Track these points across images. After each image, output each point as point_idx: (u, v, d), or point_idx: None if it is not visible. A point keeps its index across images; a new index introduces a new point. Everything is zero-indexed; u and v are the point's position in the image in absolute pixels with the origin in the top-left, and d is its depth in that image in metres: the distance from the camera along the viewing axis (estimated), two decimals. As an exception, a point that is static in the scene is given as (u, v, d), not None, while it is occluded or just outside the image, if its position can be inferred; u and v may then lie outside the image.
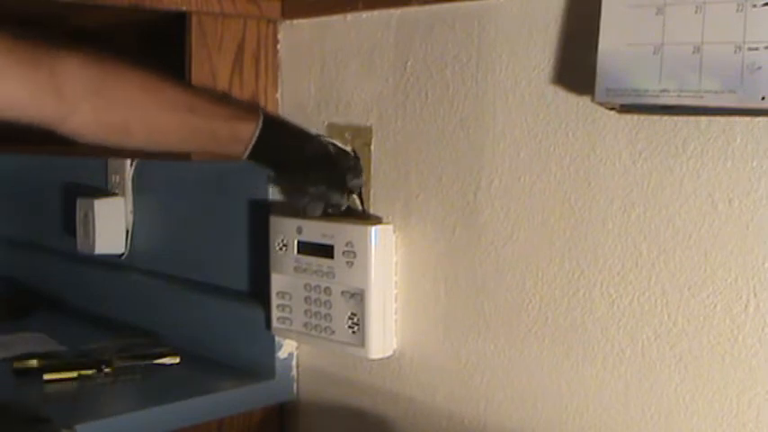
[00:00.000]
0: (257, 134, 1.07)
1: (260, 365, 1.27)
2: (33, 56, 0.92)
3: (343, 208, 1.13)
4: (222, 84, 1.20)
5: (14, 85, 0.91)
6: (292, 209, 1.20)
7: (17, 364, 1.29)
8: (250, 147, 1.07)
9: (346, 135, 1.17)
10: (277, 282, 1.21)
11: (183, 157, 1.16)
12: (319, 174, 1.11)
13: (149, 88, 1.02)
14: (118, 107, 1.00)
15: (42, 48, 0.93)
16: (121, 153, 1.39)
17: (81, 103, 0.96)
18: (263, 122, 1.07)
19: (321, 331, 1.16)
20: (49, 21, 1.29)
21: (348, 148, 1.16)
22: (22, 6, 1.21)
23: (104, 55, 0.99)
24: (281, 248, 1.19)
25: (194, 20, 1.16)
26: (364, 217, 1.15)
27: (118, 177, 1.57)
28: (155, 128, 1.03)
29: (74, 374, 1.26)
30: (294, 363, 1.28)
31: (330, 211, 1.13)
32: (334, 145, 1.14)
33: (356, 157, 1.15)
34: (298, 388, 1.28)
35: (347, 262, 1.11)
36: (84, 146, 1.02)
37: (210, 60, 1.18)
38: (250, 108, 1.12)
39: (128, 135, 1.02)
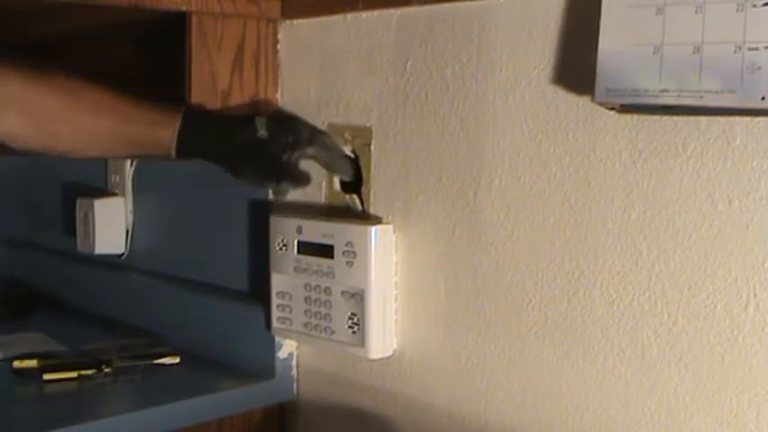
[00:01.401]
0: (176, 138, 1.09)
1: (260, 365, 1.27)
2: None
3: (307, 182, 1.12)
4: (222, 84, 1.20)
5: None
6: (293, 209, 1.20)
7: (17, 364, 1.29)
8: (173, 150, 1.09)
9: (346, 135, 1.17)
10: (277, 282, 1.21)
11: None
12: (248, 165, 1.11)
13: (77, 91, 1.06)
14: (42, 111, 1.03)
15: None
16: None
17: (7, 107, 1.00)
18: (184, 121, 1.09)
19: (321, 331, 1.16)
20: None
21: (346, 148, 1.16)
22: (21, 4, 1.21)
23: (29, 61, 1.03)
24: (281, 248, 1.19)
25: (194, 20, 1.16)
26: (364, 217, 1.15)
27: (118, 177, 1.57)
28: (79, 132, 1.06)
29: (74, 374, 1.26)
30: (294, 363, 1.28)
31: (293, 186, 1.12)
32: (274, 123, 1.11)
33: (307, 128, 1.13)
34: (298, 388, 1.28)
35: (347, 262, 1.11)
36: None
37: (210, 60, 1.18)
38: (171, 110, 1.11)
39: (55, 139, 1.05)
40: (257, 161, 1.10)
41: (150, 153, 1.11)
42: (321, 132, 1.14)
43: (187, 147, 1.09)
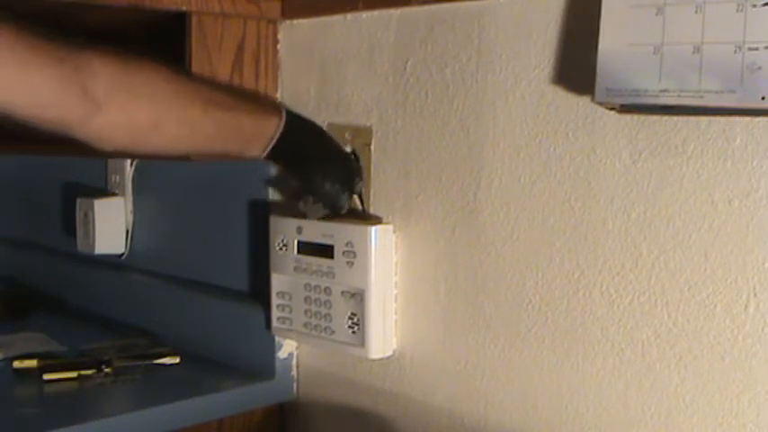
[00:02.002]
0: (281, 129, 1.06)
1: (260, 365, 1.27)
2: (56, 53, 0.87)
3: (344, 211, 1.13)
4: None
5: (37, 83, 0.86)
6: (291, 209, 1.20)
7: (17, 364, 1.29)
8: (273, 142, 1.05)
9: (346, 135, 1.17)
10: (277, 282, 1.21)
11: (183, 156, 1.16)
12: (337, 171, 1.11)
13: (174, 83, 0.99)
14: (145, 102, 0.95)
15: (64, 45, 0.88)
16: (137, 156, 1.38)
17: (108, 100, 0.91)
18: (288, 116, 1.07)
19: (321, 331, 1.16)
20: (48, 20, 1.28)
21: (348, 149, 1.16)
22: (22, 5, 1.21)
23: (125, 52, 0.95)
24: (281, 248, 1.19)
25: (194, 20, 1.16)
26: (364, 217, 1.15)
27: (118, 177, 1.57)
28: (183, 122, 0.99)
29: (74, 374, 1.26)
30: (294, 363, 1.28)
31: (329, 212, 1.13)
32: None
33: (357, 159, 1.16)
34: (298, 388, 1.28)
35: (347, 262, 1.11)
36: (84, 146, 1.00)
37: (210, 60, 1.18)
38: (273, 103, 1.11)
39: (156, 131, 0.97)
40: (344, 172, 1.12)
41: (246, 146, 1.05)
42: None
43: (287, 141, 1.06)
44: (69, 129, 0.90)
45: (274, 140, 1.06)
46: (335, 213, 1.13)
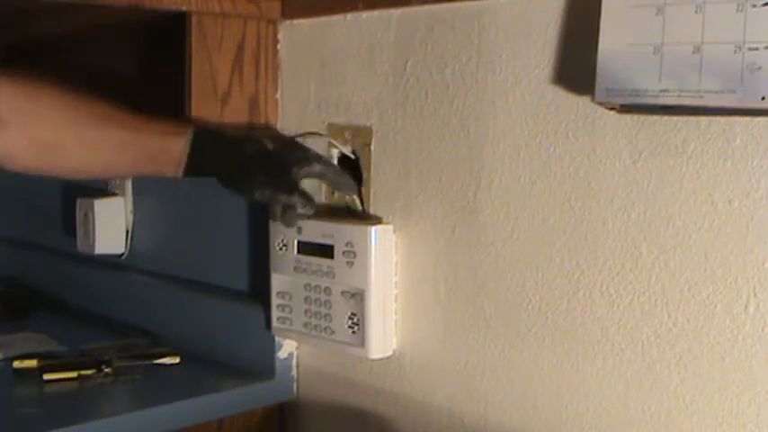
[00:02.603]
0: (189, 148, 1.05)
1: (260, 365, 1.27)
2: None
3: (302, 209, 1.08)
4: (222, 84, 1.20)
5: None
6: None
7: (17, 364, 1.28)
8: (184, 162, 1.05)
9: (346, 135, 1.17)
10: (277, 282, 1.21)
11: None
12: (259, 176, 1.07)
13: (76, 104, 1.00)
14: (48, 123, 0.97)
15: None
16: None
17: (11, 118, 0.94)
18: (194, 135, 1.06)
19: (321, 331, 1.16)
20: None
21: (345, 149, 1.16)
22: (22, 5, 1.21)
23: (26, 74, 0.97)
24: (281, 248, 1.19)
25: (194, 20, 1.16)
26: (364, 217, 1.15)
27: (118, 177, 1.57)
28: (85, 143, 1.00)
29: (74, 374, 1.25)
30: (294, 363, 1.28)
31: (302, 213, 1.09)
32: (279, 140, 1.10)
33: (312, 154, 1.11)
34: (298, 388, 1.28)
35: (347, 262, 1.11)
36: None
37: (210, 60, 1.18)
38: (179, 123, 1.08)
39: (61, 151, 0.99)
40: (269, 173, 1.08)
41: (157, 168, 1.06)
42: (321, 156, 1.14)
43: (198, 159, 1.05)
44: None
45: (184, 161, 1.05)
46: (308, 202, 1.08)
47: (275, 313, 1.22)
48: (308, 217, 1.11)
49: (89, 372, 1.26)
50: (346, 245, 1.11)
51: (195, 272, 1.44)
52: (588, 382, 0.95)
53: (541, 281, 0.98)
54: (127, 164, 1.06)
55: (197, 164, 1.06)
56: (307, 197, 1.10)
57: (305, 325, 1.18)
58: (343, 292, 1.13)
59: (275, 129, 1.21)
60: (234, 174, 1.09)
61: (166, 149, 1.05)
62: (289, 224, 1.10)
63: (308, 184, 1.14)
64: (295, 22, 1.23)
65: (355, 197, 1.16)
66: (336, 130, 1.18)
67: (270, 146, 1.10)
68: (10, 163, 0.98)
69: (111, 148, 1.03)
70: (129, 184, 1.56)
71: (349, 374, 1.20)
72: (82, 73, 1.54)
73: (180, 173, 1.07)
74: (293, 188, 1.09)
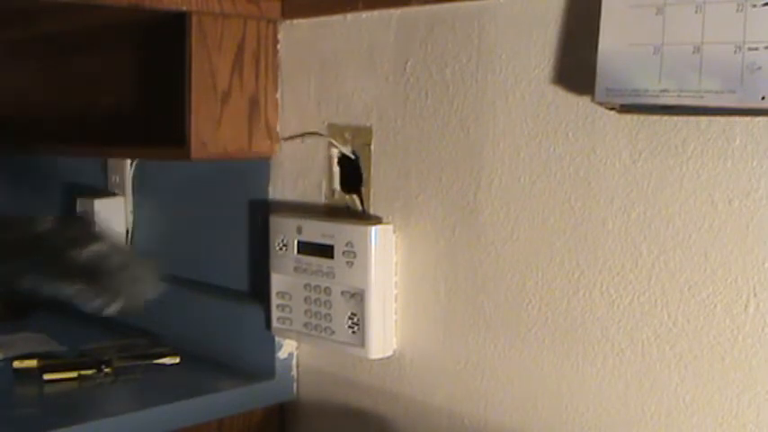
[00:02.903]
0: None
1: (260, 365, 1.27)
2: None
3: (90, 290, 0.95)
4: (222, 84, 1.20)
5: None
6: (293, 210, 1.20)
7: (17, 364, 1.29)
8: None
9: (346, 135, 1.17)
10: (277, 282, 1.21)
11: (183, 155, 1.15)
12: (28, 264, 0.94)
13: None
14: None
15: None
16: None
17: None
18: None
19: (321, 331, 1.16)
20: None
21: (345, 149, 1.16)
22: (23, 5, 1.21)
23: None
24: (281, 248, 1.19)
25: (194, 20, 1.16)
26: (364, 217, 1.15)
27: (118, 177, 1.57)
28: None
29: (74, 374, 1.26)
30: (294, 363, 1.28)
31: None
32: (60, 220, 0.97)
33: (96, 227, 1.00)
34: (298, 388, 1.28)
35: (347, 262, 1.11)
36: (85, 146, 1.00)
37: (210, 60, 1.18)
38: None
39: None
40: (38, 259, 0.95)
41: None
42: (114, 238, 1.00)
43: None
44: None
45: None
46: (90, 283, 0.95)
47: (275, 313, 1.22)
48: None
49: (89, 372, 1.26)
50: (346, 245, 1.11)
51: (195, 272, 1.44)
52: (588, 382, 0.95)
53: (541, 281, 0.98)
54: None
55: None
56: (92, 276, 0.95)
57: (305, 325, 1.18)
58: (343, 292, 1.13)
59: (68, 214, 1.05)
60: None
61: None
62: (109, 313, 0.97)
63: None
64: (295, 22, 1.23)
65: (355, 197, 1.16)
66: (336, 130, 1.18)
67: (44, 226, 0.98)
68: None
69: None
70: (129, 184, 1.56)
71: (349, 374, 1.20)
72: (82, 73, 1.54)
73: None
74: (72, 273, 0.96)
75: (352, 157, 1.16)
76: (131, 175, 1.55)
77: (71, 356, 1.33)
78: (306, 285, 1.17)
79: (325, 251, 1.13)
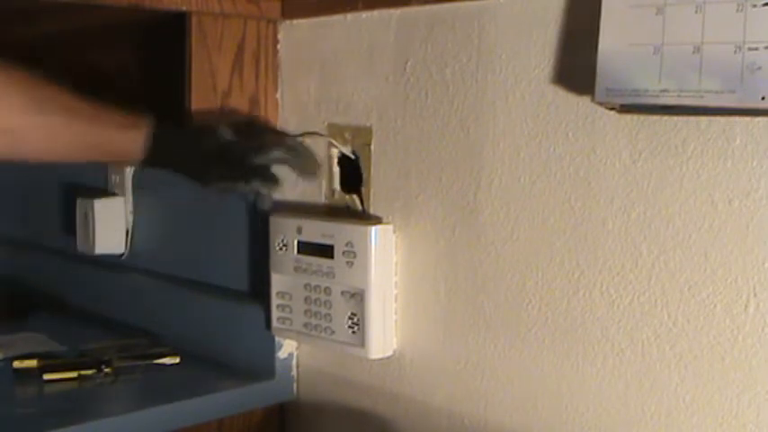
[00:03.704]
0: (146, 142, 1.06)
1: (260, 365, 1.27)
2: None
3: (262, 188, 1.10)
4: (222, 84, 1.20)
5: None
6: (293, 210, 1.20)
7: (17, 364, 1.28)
8: (140, 156, 1.06)
9: (346, 135, 1.17)
10: (277, 282, 1.21)
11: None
12: (214, 170, 1.09)
13: (33, 90, 1.00)
14: (13, 109, 0.97)
15: None
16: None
17: None
18: (152, 129, 1.06)
19: (321, 331, 1.16)
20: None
21: (345, 148, 1.16)
22: (23, 5, 1.21)
23: None
24: (281, 248, 1.19)
25: (194, 20, 1.16)
26: (364, 217, 1.15)
27: (118, 177, 1.57)
28: (42, 130, 1.00)
29: (74, 374, 1.26)
30: (294, 363, 1.28)
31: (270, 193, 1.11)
32: (239, 130, 1.10)
33: (272, 133, 1.13)
34: (298, 388, 1.28)
35: (347, 262, 1.11)
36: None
37: (210, 60, 1.18)
38: (138, 117, 1.09)
39: (23, 138, 0.98)
40: (225, 165, 1.09)
41: (114, 159, 1.07)
42: (288, 136, 1.14)
43: (154, 153, 1.06)
44: None
45: (141, 154, 1.06)
46: (269, 186, 1.10)
47: (275, 313, 1.22)
48: (271, 202, 1.13)
49: (89, 372, 1.26)
50: (346, 245, 1.11)
51: (195, 272, 1.44)
52: (588, 382, 0.95)
53: (541, 281, 0.98)
54: (83, 153, 1.07)
55: (153, 157, 1.07)
56: (268, 179, 1.10)
57: (305, 325, 1.18)
58: (343, 292, 1.13)
59: (238, 115, 1.20)
60: (190, 168, 1.10)
61: (124, 142, 1.06)
62: (260, 208, 1.13)
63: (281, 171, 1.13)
64: (295, 22, 1.23)
65: (355, 197, 1.16)
66: (336, 130, 1.18)
67: (228, 136, 1.09)
68: None
69: (71, 137, 1.03)
70: (129, 184, 1.56)
71: (349, 374, 1.20)
72: (82, 72, 1.54)
73: (136, 162, 1.08)
74: (249, 176, 1.09)
75: (352, 157, 1.16)
76: (131, 175, 1.55)
77: (71, 356, 1.33)
78: (306, 285, 1.17)
79: (325, 251, 1.13)
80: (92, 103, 1.05)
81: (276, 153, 1.10)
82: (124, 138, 1.06)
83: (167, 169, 1.11)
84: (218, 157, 1.09)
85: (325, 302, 1.15)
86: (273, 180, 1.10)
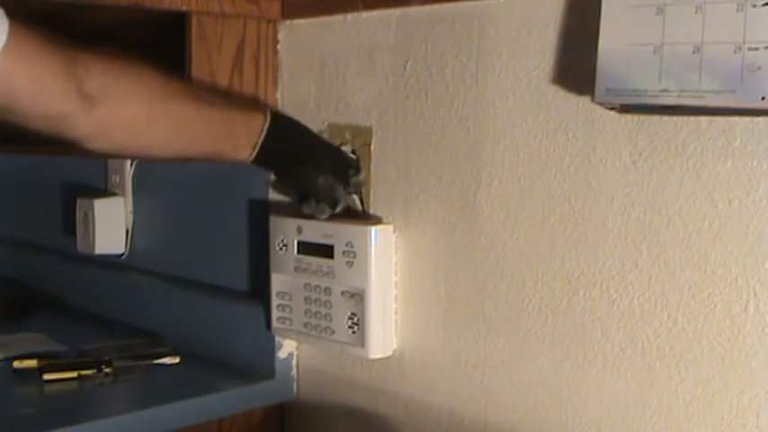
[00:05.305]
0: (268, 126, 1.07)
1: (260, 365, 1.27)
2: (60, 47, 0.88)
3: (341, 207, 1.12)
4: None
5: (45, 72, 0.86)
6: (294, 211, 1.20)
7: (17, 364, 1.29)
8: (261, 139, 1.07)
9: (346, 135, 1.17)
10: (277, 282, 1.21)
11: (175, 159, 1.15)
12: (328, 163, 1.12)
13: (164, 80, 1.00)
14: (137, 98, 0.96)
15: (62, 41, 0.89)
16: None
17: (101, 96, 0.91)
18: (272, 115, 1.08)
19: (321, 331, 1.16)
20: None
21: (346, 148, 1.16)
22: (23, 5, 1.21)
23: (114, 51, 0.96)
24: (281, 248, 1.19)
25: (194, 20, 1.16)
26: (364, 217, 1.15)
27: (118, 177, 1.57)
28: (175, 118, 1.00)
29: (74, 374, 1.26)
30: (294, 363, 1.28)
31: (332, 211, 1.13)
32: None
33: (354, 157, 1.16)
34: (298, 388, 1.28)
35: (347, 262, 1.11)
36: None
37: (210, 60, 1.18)
38: (258, 102, 1.12)
39: (149, 127, 0.98)
40: (335, 163, 1.13)
41: (236, 146, 1.06)
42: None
43: (275, 138, 1.08)
44: (66, 124, 0.91)
45: (262, 138, 1.07)
46: (335, 208, 1.12)
47: (275, 313, 1.22)
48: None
49: (89, 372, 1.26)
50: (346, 245, 1.11)
51: (195, 272, 1.44)
52: (588, 382, 0.95)
53: (541, 281, 0.98)
54: (209, 142, 1.06)
55: (272, 144, 1.08)
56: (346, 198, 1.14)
57: (305, 325, 1.18)
58: (343, 292, 1.13)
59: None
60: (303, 157, 1.12)
61: (250, 127, 1.07)
62: (320, 216, 1.13)
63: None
64: (295, 22, 1.23)
65: (355, 197, 1.16)
66: (336, 130, 1.18)
67: (348, 148, 1.15)
68: (98, 142, 0.95)
69: (200, 124, 1.03)
70: (129, 184, 1.56)
71: (349, 374, 1.20)
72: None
73: (254, 154, 1.08)
74: (347, 185, 1.13)
75: (353, 157, 1.16)
76: (131, 175, 1.56)
77: (71, 356, 1.33)
78: (306, 285, 1.17)
79: (326, 251, 1.13)
80: (215, 91, 1.08)
81: (360, 179, 1.15)
82: (247, 120, 1.07)
83: (274, 161, 1.11)
84: (329, 157, 1.13)
85: (325, 302, 1.15)
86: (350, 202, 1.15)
